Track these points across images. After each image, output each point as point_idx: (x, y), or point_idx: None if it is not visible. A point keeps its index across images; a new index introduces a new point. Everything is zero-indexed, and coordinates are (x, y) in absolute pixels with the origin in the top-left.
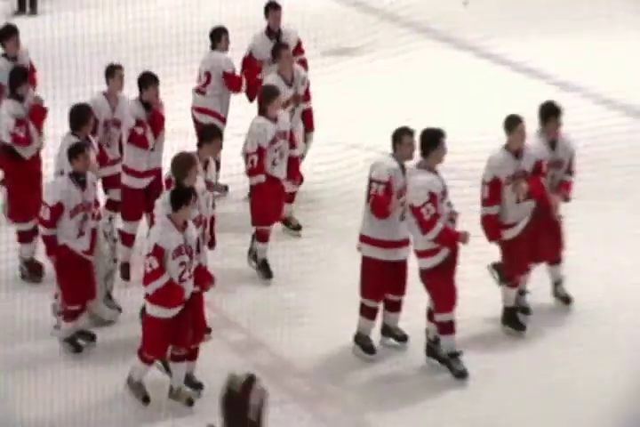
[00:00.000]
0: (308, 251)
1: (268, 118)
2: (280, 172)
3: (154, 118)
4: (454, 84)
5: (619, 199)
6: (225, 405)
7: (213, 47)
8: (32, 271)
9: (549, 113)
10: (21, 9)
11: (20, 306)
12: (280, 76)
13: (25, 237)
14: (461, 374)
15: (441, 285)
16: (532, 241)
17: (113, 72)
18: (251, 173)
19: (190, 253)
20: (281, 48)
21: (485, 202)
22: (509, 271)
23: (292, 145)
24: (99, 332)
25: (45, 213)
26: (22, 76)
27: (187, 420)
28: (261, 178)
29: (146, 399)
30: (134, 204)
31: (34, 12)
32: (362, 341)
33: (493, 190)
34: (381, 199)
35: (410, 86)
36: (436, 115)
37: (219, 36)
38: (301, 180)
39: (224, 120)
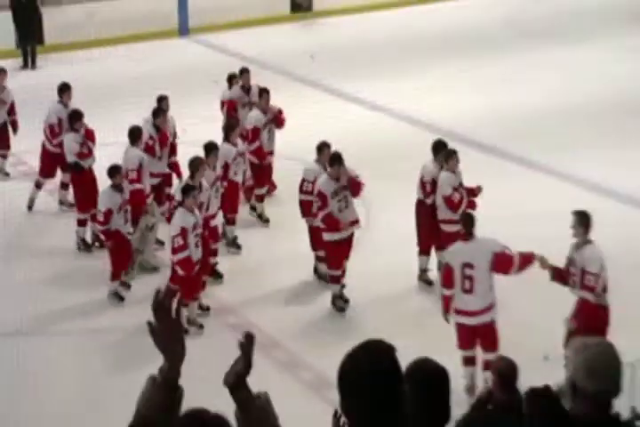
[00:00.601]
0: (275, 236)
1: (231, 144)
2: (239, 178)
3: (161, 137)
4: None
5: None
6: (154, 307)
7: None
8: (85, 245)
9: (439, 147)
10: (25, 64)
11: (73, 269)
12: (260, 110)
13: (82, 223)
14: (340, 309)
15: (333, 252)
16: (437, 230)
17: (161, 100)
18: (220, 180)
19: (200, 227)
20: (263, 92)
21: (458, 205)
22: (424, 247)
23: (263, 156)
24: (148, 278)
25: (100, 216)
26: (79, 116)
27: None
28: (224, 184)
29: (201, 326)
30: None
31: (34, 66)
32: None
33: (458, 196)
34: (306, 204)
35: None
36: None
37: (230, 80)
38: (274, 187)
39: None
